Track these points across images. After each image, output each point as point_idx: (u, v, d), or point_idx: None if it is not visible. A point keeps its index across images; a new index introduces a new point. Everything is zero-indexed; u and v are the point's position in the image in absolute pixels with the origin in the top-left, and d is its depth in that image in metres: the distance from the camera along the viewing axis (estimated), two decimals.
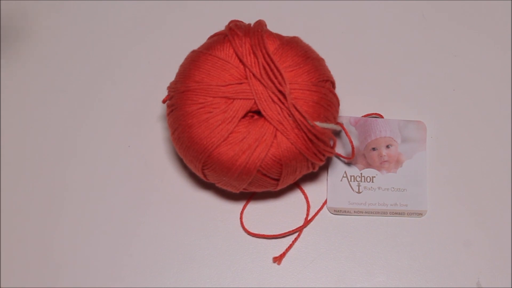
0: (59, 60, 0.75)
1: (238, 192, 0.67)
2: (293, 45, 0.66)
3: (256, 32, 0.65)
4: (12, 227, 0.70)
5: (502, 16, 0.76)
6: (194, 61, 0.66)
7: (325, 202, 0.70)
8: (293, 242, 0.69)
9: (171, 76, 0.69)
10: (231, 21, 0.68)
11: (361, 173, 0.71)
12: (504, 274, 0.69)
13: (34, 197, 0.71)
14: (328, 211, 0.70)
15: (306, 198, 0.70)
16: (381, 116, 0.72)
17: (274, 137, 0.64)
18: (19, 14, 0.76)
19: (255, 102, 0.64)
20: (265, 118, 0.64)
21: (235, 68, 0.65)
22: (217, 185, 0.67)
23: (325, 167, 0.71)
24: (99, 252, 0.69)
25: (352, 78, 0.73)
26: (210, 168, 0.65)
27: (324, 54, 0.68)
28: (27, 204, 0.70)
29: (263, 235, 0.69)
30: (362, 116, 0.72)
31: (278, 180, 0.66)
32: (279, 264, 0.69)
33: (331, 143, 0.66)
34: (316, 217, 0.70)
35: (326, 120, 0.65)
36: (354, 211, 0.70)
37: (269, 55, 0.64)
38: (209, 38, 0.68)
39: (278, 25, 0.71)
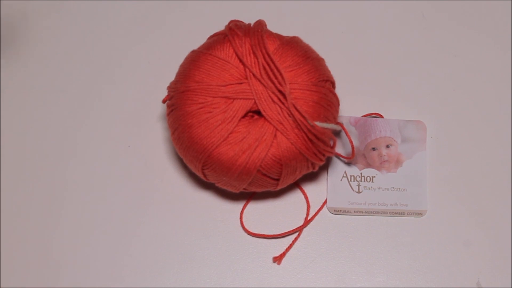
0: (59, 60, 0.75)
1: (238, 192, 0.67)
2: (293, 45, 0.66)
3: (256, 32, 0.65)
4: (12, 227, 0.70)
5: (502, 16, 0.76)
6: (194, 61, 0.66)
7: (325, 202, 0.70)
8: (293, 242, 0.69)
9: (171, 76, 0.69)
10: (231, 21, 0.68)
11: (361, 173, 0.71)
12: (504, 274, 0.69)
13: (34, 197, 0.71)
14: (328, 211, 0.70)
15: (306, 198, 0.70)
16: (381, 116, 0.72)
17: (274, 137, 0.64)
18: (19, 14, 0.76)
19: (255, 102, 0.64)
20: (265, 118, 0.64)
21: (235, 68, 0.65)
22: (217, 185, 0.67)
23: (325, 167, 0.71)
24: (99, 252, 0.69)
25: (352, 78, 0.73)
26: (210, 168, 0.65)
27: (324, 54, 0.68)
28: (27, 204, 0.70)
29: (263, 235, 0.69)
30: (362, 116, 0.72)
31: (278, 180, 0.66)
32: (279, 264, 0.69)
33: (331, 143, 0.66)
34: (316, 217, 0.70)
35: (326, 120, 0.65)
36: (354, 211, 0.70)
37: (269, 55, 0.64)
38: (209, 38, 0.68)
39: (278, 25, 0.71)
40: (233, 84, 0.64)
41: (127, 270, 0.69)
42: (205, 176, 0.67)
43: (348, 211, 0.70)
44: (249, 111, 0.65)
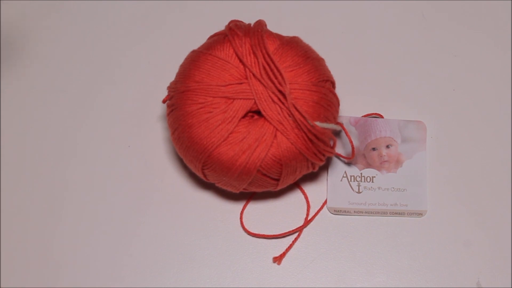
0: (59, 60, 0.75)
1: (238, 192, 0.67)
2: (293, 45, 0.66)
3: (256, 32, 0.65)
4: (12, 227, 0.70)
5: (502, 16, 0.76)
6: (194, 61, 0.66)
7: (325, 202, 0.70)
8: (293, 242, 0.69)
9: (171, 76, 0.69)
10: (231, 21, 0.68)
11: (361, 173, 0.71)
12: (504, 274, 0.69)
13: (34, 197, 0.71)
14: (328, 211, 0.70)
15: (306, 198, 0.70)
16: (381, 116, 0.72)
17: (274, 137, 0.64)
18: (19, 14, 0.76)
19: (255, 102, 0.64)
20: (265, 118, 0.64)
21: (235, 68, 0.65)
22: (217, 185, 0.67)
23: (325, 167, 0.71)
24: (99, 252, 0.69)
25: (352, 78, 0.73)
26: (210, 168, 0.65)
27: (324, 54, 0.68)
28: (27, 204, 0.70)
29: (263, 235, 0.69)
30: (362, 116, 0.72)
31: (278, 180, 0.66)
32: (279, 264, 0.69)
33: (331, 143, 0.66)
34: (316, 217, 0.70)
35: (326, 120, 0.65)
36: (354, 211, 0.70)
37: (269, 55, 0.64)
38: (209, 38, 0.68)
39: (278, 25, 0.71)
40: (233, 84, 0.64)
41: (127, 270, 0.69)
42: (205, 176, 0.67)
43: (348, 211, 0.70)
44: (249, 111, 0.65)
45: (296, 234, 0.70)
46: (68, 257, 0.69)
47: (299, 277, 0.69)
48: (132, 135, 0.72)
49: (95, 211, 0.70)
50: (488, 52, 0.75)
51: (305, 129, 0.63)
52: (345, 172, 0.71)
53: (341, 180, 0.71)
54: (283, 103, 0.63)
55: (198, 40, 0.69)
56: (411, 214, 0.70)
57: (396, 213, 0.70)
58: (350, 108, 0.72)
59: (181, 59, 0.68)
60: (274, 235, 0.69)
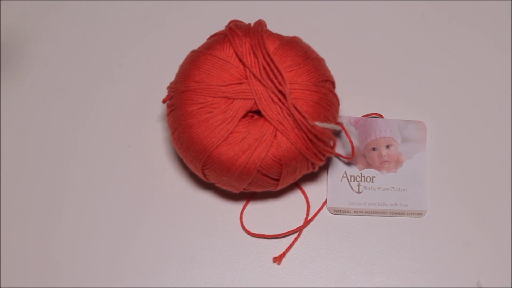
0: (59, 60, 0.75)
1: (238, 192, 0.67)
2: (293, 45, 0.66)
3: (256, 32, 0.65)
4: (12, 227, 0.70)
5: (502, 16, 0.76)
6: (194, 61, 0.66)
7: (325, 202, 0.70)
8: (293, 242, 0.69)
9: (171, 76, 0.69)
10: (231, 21, 0.68)
11: (361, 173, 0.71)
12: (504, 274, 0.69)
13: (34, 197, 0.71)
14: (328, 211, 0.70)
15: (306, 198, 0.70)
16: (381, 116, 0.72)
17: (274, 137, 0.64)
18: (19, 14, 0.76)
19: (255, 102, 0.64)
20: (265, 118, 0.64)
21: (235, 68, 0.65)
22: (217, 185, 0.67)
23: (325, 167, 0.71)
24: (99, 252, 0.69)
25: (352, 78, 0.73)
26: (210, 168, 0.65)
27: (324, 54, 0.68)
28: (27, 204, 0.70)
29: (263, 235, 0.69)
30: (362, 116, 0.72)
31: (278, 180, 0.66)
32: (279, 264, 0.69)
33: (331, 143, 0.66)
34: (316, 217, 0.70)
35: (326, 120, 0.65)
36: (354, 211, 0.70)
37: (269, 55, 0.64)
38: (209, 38, 0.68)
39: (278, 25, 0.71)
40: (233, 84, 0.64)
41: (127, 270, 0.69)
42: (205, 176, 0.67)
43: (348, 211, 0.70)
44: (249, 111, 0.65)
45: (296, 234, 0.70)
46: (68, 257, 0.69)
47: (299, 277, 0.69)
48: (132, 135, 0.72)
49: (95, 211, 0.70)
50: (488, 52, 0.75)
51: (305, 129, 0.63)
52: (345, 172, 0.71)
53: (341, 180, 0.71)
54: (283, 103, 0.63)
55: (198, 40, 0.69)
56: (411, 214, 0.70)
57: (396, 213, 0.70)
58: (350, 108, 0.72)
59: (181, 59, 0.68)
60: (274, 235, 0.69)
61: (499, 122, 0.73)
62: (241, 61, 0.65)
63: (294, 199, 0.71)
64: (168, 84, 0.68)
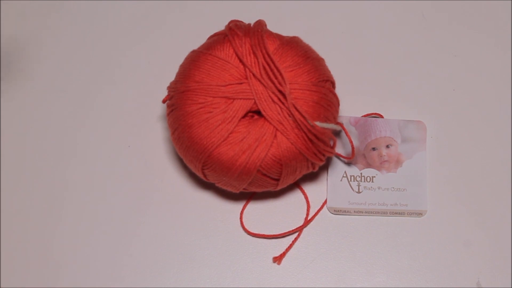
0: (59, 60, 0.75)
1: (238, 192, 0.67)
2: (293, 45, 0.66)
3: (256, 32, 0.65)
4: (12, 227, 0.70)
5: (502, 16, 0.76)
6: (194, 61, 0.66)
7: (325, 202, 0.70)
8: (293, 242, 0.69)
9: (171, 76, 0.69)
10: (231, 21, 0.68)
11: (361, 173, 0.71)
12: (504, 274, 0.69)
13: (34, 197, 0.71)
14: (328, 211, 0.70)
15: (306, 198, 0.70)
16: (381, 116, 0.72)
17: (274, 137, 0.64)
18: (19, 14, 0.76)
19: (255, 102, 0.64)
20: (265, 118, 0.64)
21: (235, 68, 0.65)
22: (217, 185, 0.67)
23: (325, 167, 0.71)
24: (99, 252, 0.69)
25: (352, 78, 0.73)
26: (210, 168, 0.65)
27: (324, 54, 0.68)
28: (27, 204, 0.70)
29: (263, 235, 0.69)
30: (362, 116, 0.72)
31: (278, 180, 0.66)
32: (279, 264, 0.69)
33: (331, 143, 0.66)
34: (316, 217, 0.70)
35: (326, 120, 0.65)
36: (354, 211, 0.70)
37: (269, 55, 0.64)
38: (209, 38, 0.68)
39: (278, 25, 0.71)
40: (233, 84, 0.64)
41: (127, 270, 0.69)
42: (205, 176, 0.67)
43: (348, 211, 0.70)
44: (249, 111, 0.65)
45: (296, 234, 0.70)
46: (68, 257, 0.69)
47: (299, 277, 0.69)
48: (132, 135, 0.72)
49: (95, 211, 0.70)
50: (488, 52, 0.75)
51: (305, 129, 0.63)
52: (345, 172, 0.71)
53: (341, 180, 0.71)
54: (283, 103, 0.63)
55: (198, 40, 0.69)
56: (411, 214, 0.70)
57: (396, 213, 0.70)
58: (350, 108, 0.72)
59: (181, 59, 0.68)
60: (274, 235, 0.69)
61: (499, 122, 0.73)
62: (241, 61, 0.65)
63: (294, 199, 0.71)
64: (168, 84, 0.68)
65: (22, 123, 0.73)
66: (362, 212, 0.70)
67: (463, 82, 0.74)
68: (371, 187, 0.70)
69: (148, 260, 0.69)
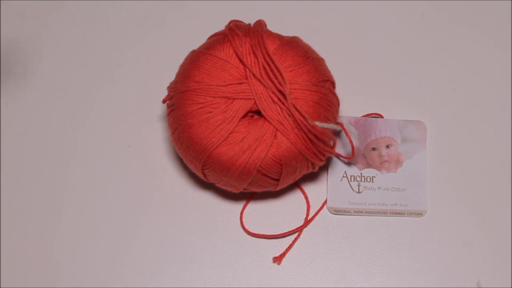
0: (59, 60, 0.75)
1: (238, 192, 0.67)
2: (293, 45, 0.66)
3: (256, 32, 0.65)
4: (12, 227, 0.70)
5: (502, 16, 0.76)
6: (194, 61, 0.66)
7: (325, 202, 0.70)
8: (293, 242, 0.69)
9: (171, 76, 0.69)
10: (231, 21, 0.68)
11: (361, 173, 0.71)
12: (504, 274, 0.69)
13: (34, 197, 0.71)
14: (328, 211, 0.70)
15: (306, 198, 0.70)
16: (381, 116, 0.72)
17: (274, 137, 0.64)
18: (19, 14, 0.76)
19: (255, 102, 0.64)
20: (265, 118, 0.64)
21: (235, 68, 0.65)
22: (217, 185, 0.67)
23: (325, 167, 0.71)
24: (99, 252, 0.69)
25: (352, 78, 0.73)
26: (210, 168, 0.65)
27: (324, 54, 0.68)
28: (27, 204, 0.70)
29: (263, 235, 0.69)
30: (362, 116, 0.72)
31: (278, 180, 0.66)
32: (279, 264, 0.69)
33: (331, 143, 0.66)
34: (316, 217, 0.70)
35: (326, 120, 0.65)
36: (354, 211, 0.70)
37: (269, 55, 0.64)
38: (209, 38, 0.68)
39: (278, 25, 0.71)
40: (233, 84, 0.64)
41: (127, 270, 0.69)
42: (205, 176, 0.67)
43: (348, 211, 0.70)
44: (249, 111, 0.65)
45: (296, 234, 0.70)
46: (68, 257, 0.69)
47: (299, 277, 0.69)
48: (132, 135, 0.72)
49: (95, 211, 0.70)
50: (488, 52, 0.75)
51: (305, 129, 0.63)
52: (345, 172, 0.71)
53: (341, 180, 0.71)
54: (283, 103, 0.63)
55: (198, 40, 0.69)
56: (411, 214, 0.70)
57: (396, 213, 0.70)
58: (350, 108, 0.72)
59: (181, 59, 0.68)
60: (274, 235, 0.69)
61: (499, 122, 0.73)
62: (241, 61, 0.65)
63: (294, 199, 0.71)
64: (168, 84, 0.68)
65: (22, 123, 0.73)
66: (362, 212, 0.70)
67: (463, 82, 0.74)
68: (371, 187, 0.70)
69: (148, 260, 0.69)
